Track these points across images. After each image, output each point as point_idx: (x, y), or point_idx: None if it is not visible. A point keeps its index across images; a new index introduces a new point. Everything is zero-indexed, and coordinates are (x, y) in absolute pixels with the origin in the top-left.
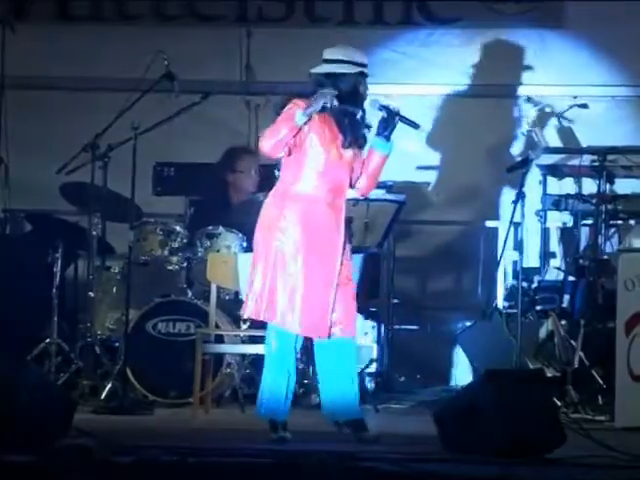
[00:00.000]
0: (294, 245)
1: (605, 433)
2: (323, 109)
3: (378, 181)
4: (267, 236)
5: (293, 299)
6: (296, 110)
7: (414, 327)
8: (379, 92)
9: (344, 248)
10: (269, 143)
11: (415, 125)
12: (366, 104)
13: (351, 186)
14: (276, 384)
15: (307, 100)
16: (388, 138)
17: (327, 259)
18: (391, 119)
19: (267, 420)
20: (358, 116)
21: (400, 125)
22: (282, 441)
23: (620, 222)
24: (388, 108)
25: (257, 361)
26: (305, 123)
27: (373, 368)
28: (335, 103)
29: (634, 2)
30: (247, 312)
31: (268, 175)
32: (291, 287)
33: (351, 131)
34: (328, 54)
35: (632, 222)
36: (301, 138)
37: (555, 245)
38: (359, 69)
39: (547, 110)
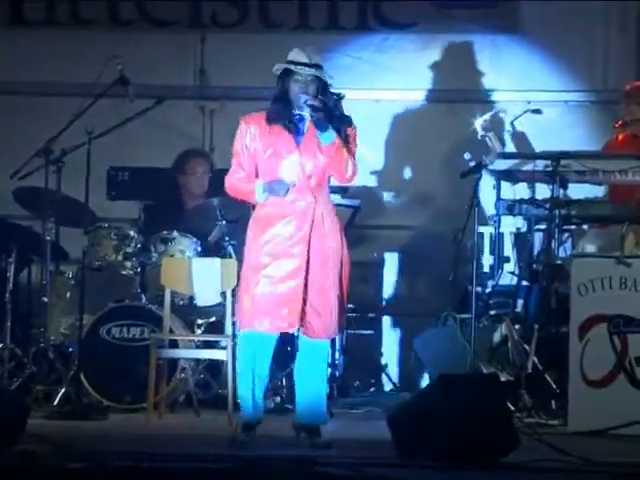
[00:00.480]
0: (268, 253)
1: (558, 437)
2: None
3: (348, 166)
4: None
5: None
6: (255, 187)
7: (369, 332)
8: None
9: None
10: (230, 191)
11: (339, 95)
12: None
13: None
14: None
15: (258, 113)
16: (323, 129)
17: (298, 260)
18: (317, 111)
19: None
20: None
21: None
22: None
23: (573, 227)
24: (310, 106)
25: (211, 366)
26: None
27: (328, 373)
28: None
29: (588, 8)
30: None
31: (220, 179)
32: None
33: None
34: (290, 56)
35: (585, 227)
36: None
37: (509, 250)
38: (284, 66)
39: (501, 115)
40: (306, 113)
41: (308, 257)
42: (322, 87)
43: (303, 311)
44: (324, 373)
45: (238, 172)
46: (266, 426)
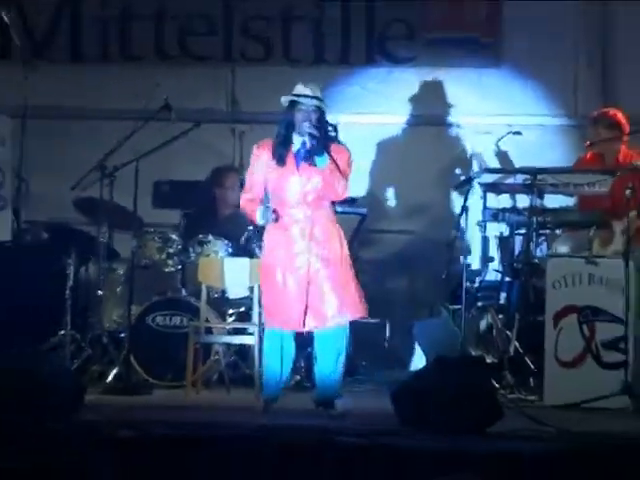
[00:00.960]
0: (276, 261)
1: (536, 410)
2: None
3: (339, 185)
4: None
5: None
6: (257, 212)
7: (375, 320)
8: (345, 121)
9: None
10: (242, 209)
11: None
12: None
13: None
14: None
15: (268, 140)
16: (319, 153)
17: (301, 268)
18: (314, 138)
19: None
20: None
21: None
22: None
23: (548, 231)
24: (309, 133)
25: (241, 350)
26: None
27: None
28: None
29: (561, 46)
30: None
31: None
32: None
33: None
34: (297, 90)
35: (558, 231)
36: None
37: (494, 251)
38: (291, 99)
39: (487, 136)
40: (306, 139)
41: (309, 263)
42: (321, 117)
43: (305, 312)
44: (336, 355)
45: (247, 193)
46: (287, 401)
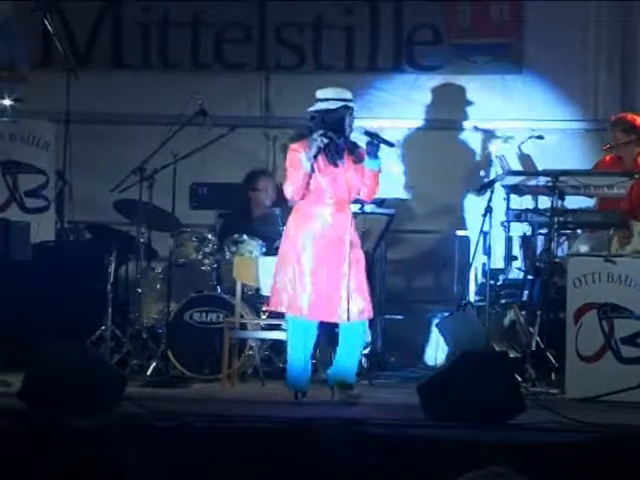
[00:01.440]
0: (305, 249)
1: (557, 403)
2: (319, 150)
3: (376, 191)
4: (282, 242)
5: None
6: (300, 157)
7: (401, 317)
8: (376, 125)
9: (353, 247)
10: (292, 189)
11: (391, 144)
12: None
13: (358, 195)
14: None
15: (301, 142)
16: (375, 156)
17: (335, 257)
18: (374, 141)
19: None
20: (340, 142)
21: (385, 148)
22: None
23: (569, 232)
24: (370, 133)
25: (274, 345)
26: (312, 167)
27: (368, 350)
28: (325, 141)
29: (581, 53)
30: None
31: (282, 193)
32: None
33: (335, 154)
34: (320, 94)
35: (579, 231)
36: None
37: (517, 250)
38: (342, 103)
39: (510, 140)
40: (360, 140)
41: (342, 259)
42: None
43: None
44: (359, 346)
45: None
46: (318, 394)
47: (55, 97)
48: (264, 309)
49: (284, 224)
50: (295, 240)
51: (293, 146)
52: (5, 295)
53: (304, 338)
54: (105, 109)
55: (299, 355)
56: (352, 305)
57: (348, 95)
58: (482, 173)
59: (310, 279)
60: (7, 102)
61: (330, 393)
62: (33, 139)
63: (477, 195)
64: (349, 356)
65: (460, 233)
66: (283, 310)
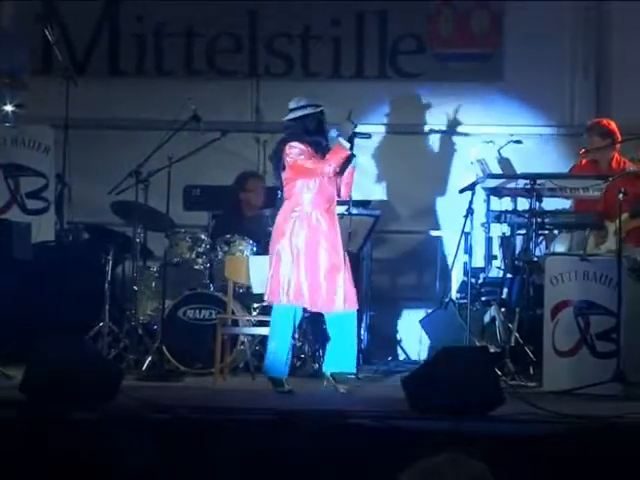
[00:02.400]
0: (305, 240)
1: (535, 396)
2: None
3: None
4: (280, 234)
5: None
6: (304, 149)
7: (386, 314)
8: (359, 131)
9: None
10: (333, 167)
11: (368, 135)
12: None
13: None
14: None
15: (304, 144)
16: (354, 155)
17: (328, 252)
18: (350, 139)
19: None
20: (325, 143)
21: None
22: (289, 393)
23: (547, 232)
24: (357, 133)
25: (265, 340)
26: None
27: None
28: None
29: (557, 60)
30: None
31: (272, 195)
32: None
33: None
34: (293, 104)
35: (556, 232)
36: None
37: (497, 250)
38: (319, 109)
39: (490, 145)
40: (344, 142)
41: (339, 251)
42: None
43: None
44: (351, 336)
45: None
46: (305, 387)
47: (55, 104)
48: (265, 301)
49: (273, 224)
50: (291, 235)
51: (292, 143)
52: (7, 293)
53: (292, 326)
54: (102, 115)
55: (286, 342)
56: (348, 295)
57: (319, 101)
58: (463, 176)
59: (308, 271)
60: (9, 108)
61: (317, 386)
62: (34, 144)
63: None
64: (350, 345)
65: (442, 234)
66: (285, 301)
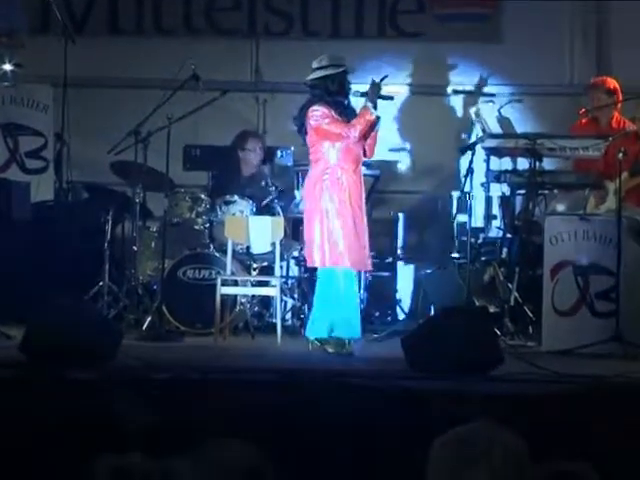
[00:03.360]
0: (340, 203)
1: (534, 355)
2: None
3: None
4: (317, 199)
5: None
6: (327, 111)
7: (387, 274)
8: (360, 91)
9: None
10: (358, 132)
11: (391, 98)
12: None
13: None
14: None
15: (326, 106)
16: (374, 106)
17: (361, 210)
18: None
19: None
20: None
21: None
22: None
23: (546, 192)
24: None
25: (264, 300)
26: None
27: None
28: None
29: (557, 20)
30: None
31: (271, 154)
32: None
33: (349, 116)
34: (316, 63)
35: (555, 191)
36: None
37: (496, 210)
38: (341, 69)
39: (490, 104)
40: (370, 105)
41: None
42: None
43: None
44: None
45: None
46: (306, 347)
47: (53, 62)
48: (317, 265)
49: (272, 184)
50: (324, 199)
51: (315, 106)
52: (6, 253)
53: (349, 288)
54: (101, 73)
55: (355, 302)
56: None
57: (342, 60)
58: (463, 136)
59: (346, 233)
60: (7, 67)
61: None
62: (32, 102)
63: (459, 156)
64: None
65: (442, 193)
66: (346, 264)
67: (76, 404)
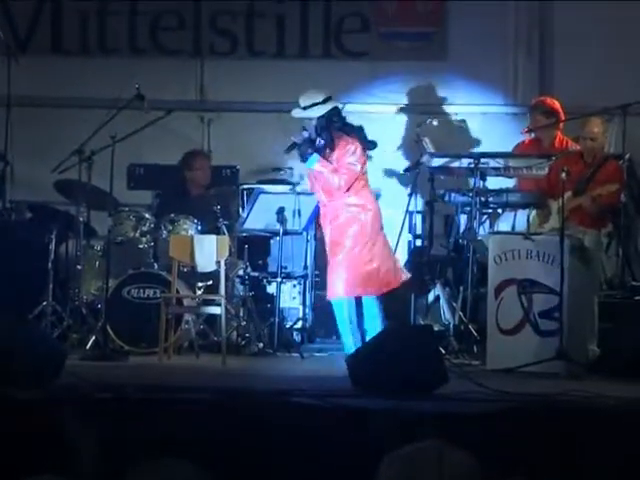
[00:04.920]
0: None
1: (479, 374)
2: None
3: (333, 181)
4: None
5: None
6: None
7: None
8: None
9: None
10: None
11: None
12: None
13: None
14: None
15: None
16: (303, 159)
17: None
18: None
19: None
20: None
21: None
22: None
23: (490, 211)
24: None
25: (209, 319)
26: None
27: (299, 324)
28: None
29: (501, 38)
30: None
31: (218, 174)
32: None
33: None
34: (310, 99)
35: (499, 211)
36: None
37: (441, 228)
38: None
39: (434, 123)
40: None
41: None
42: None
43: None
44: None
45: None
46: (249, 366)
47: None
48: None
49: (219, 204)
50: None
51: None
52: None
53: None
54: (45, 93)
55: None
56: None
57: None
58: (408, 155)
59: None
60: None
61: (262, 364)
62: None
63: (403, 175)
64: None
65: (387, 212)
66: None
67: (20, 424)
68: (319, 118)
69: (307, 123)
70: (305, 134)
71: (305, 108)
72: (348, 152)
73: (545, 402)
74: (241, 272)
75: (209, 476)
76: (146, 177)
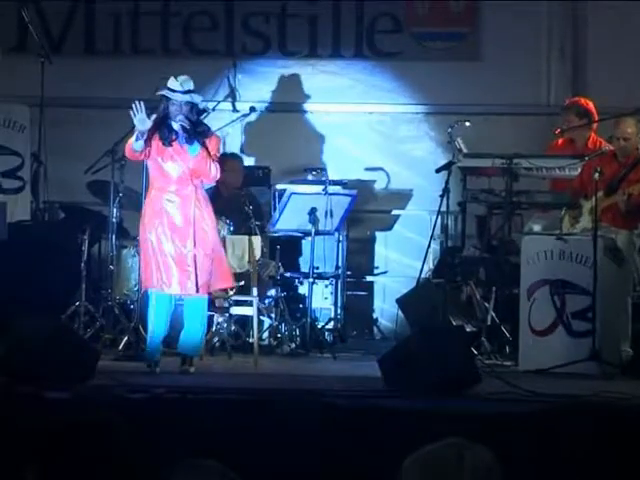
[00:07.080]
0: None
1: (511, 375)
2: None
3: (212, 168)
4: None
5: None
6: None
7: (363, 293)
8: (336, 110)
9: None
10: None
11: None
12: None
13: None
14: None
15: None
16: (190, 142)
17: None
18: (183, 130)
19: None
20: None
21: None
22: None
23: (523, 211)
24: (181, 126)
25: (241, 319)
26: None
27: (331, 325)
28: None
29: (533, 39)
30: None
31: (250, 174)
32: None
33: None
34: (182, 85)
35: (532, 211)
36: None
37: (473, 229)
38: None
39: (467, 124)
40: (179, 129)
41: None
42: (192, 109)
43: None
44: (199, 320)
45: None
46: (283, 367)
47: (30, 82)
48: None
49: (251, 204)
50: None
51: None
52: None
53: (167, 312)
54: (78, 94)
55: (161, 328)
56: (199, 280)
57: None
58: (440, 155)
59: (170, 257)
60: None
61: (294, 365)
62: (9, 122)
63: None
64: (194, 330)
65: (419, 213)
66: (154, 288)
67: (50, 424)
68: (192, 105)
69: (178, 107)
70: (183, 120)
71: (186, 92)
72: (217, 145)
73: (578, 404)
74: (273, 273)
75: (240, 477)
76: None
